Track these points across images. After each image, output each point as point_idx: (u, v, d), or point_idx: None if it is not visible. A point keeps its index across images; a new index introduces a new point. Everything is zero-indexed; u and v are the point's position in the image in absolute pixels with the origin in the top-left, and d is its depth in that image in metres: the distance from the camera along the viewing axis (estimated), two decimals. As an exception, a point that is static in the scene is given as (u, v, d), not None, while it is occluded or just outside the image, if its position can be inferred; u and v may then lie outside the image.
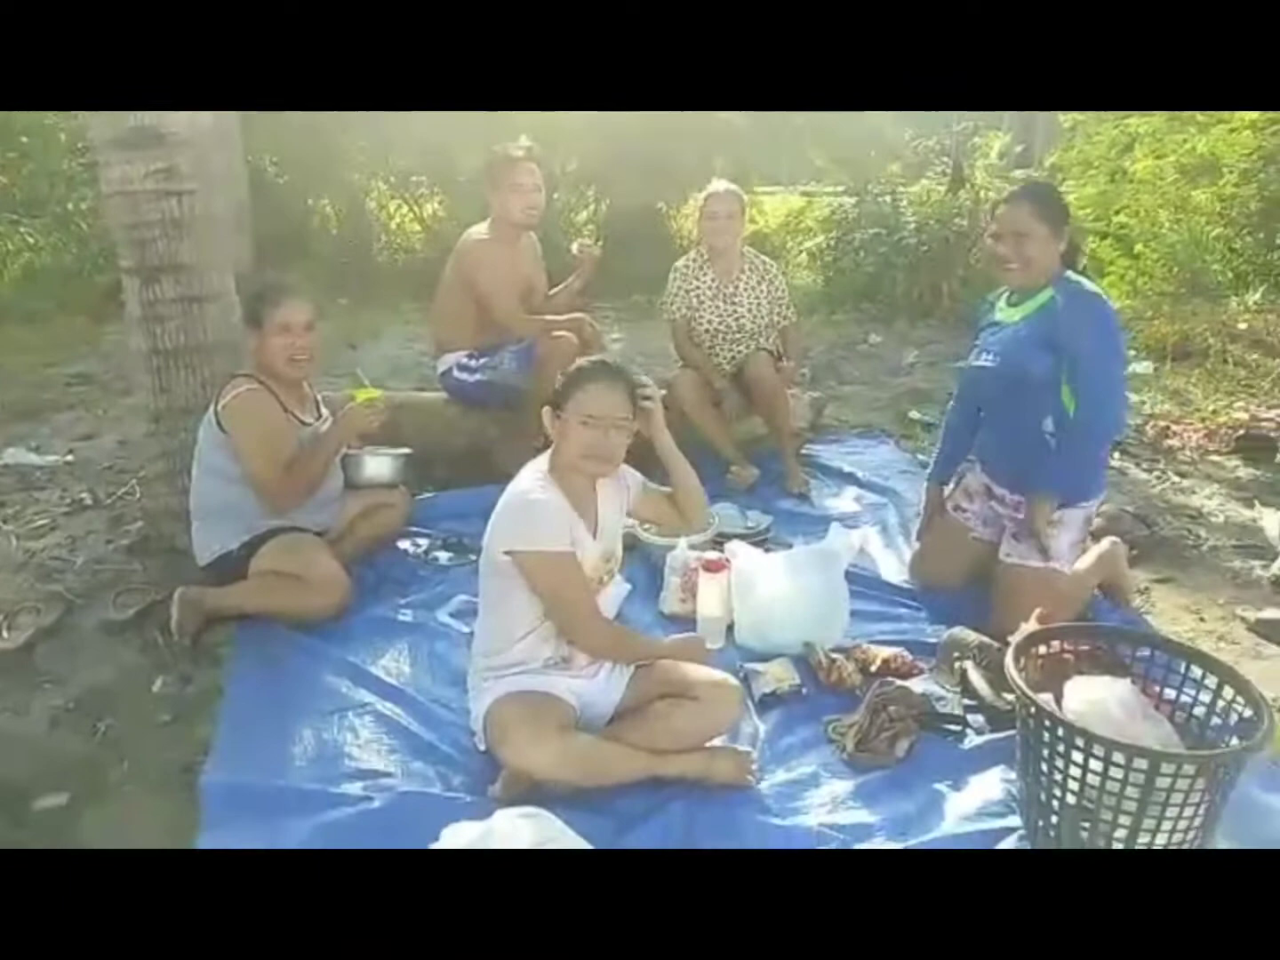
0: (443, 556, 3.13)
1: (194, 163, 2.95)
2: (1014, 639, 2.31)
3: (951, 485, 3.01)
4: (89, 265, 7.26)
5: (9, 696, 2.35)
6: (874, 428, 4.38)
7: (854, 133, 8.26)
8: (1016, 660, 2.00)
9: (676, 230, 8.84)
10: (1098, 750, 1.78)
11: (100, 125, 2.91)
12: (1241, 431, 4.24)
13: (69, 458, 3.82)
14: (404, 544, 3.15)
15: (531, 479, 2.11)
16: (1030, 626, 2.36)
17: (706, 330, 3.76)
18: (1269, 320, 5.88)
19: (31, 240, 7.84)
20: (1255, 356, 5.39)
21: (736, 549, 2.72)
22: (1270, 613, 2.85)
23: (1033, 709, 1.90)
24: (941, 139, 8.89)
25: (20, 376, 4.98)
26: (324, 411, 2.91)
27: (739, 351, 3.79)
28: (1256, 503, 3.68)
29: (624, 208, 8.11)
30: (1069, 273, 2.64)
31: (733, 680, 2.19)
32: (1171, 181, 7.44)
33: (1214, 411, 4.64)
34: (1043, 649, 2.15)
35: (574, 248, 3.75)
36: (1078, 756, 1.82)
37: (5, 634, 2.57)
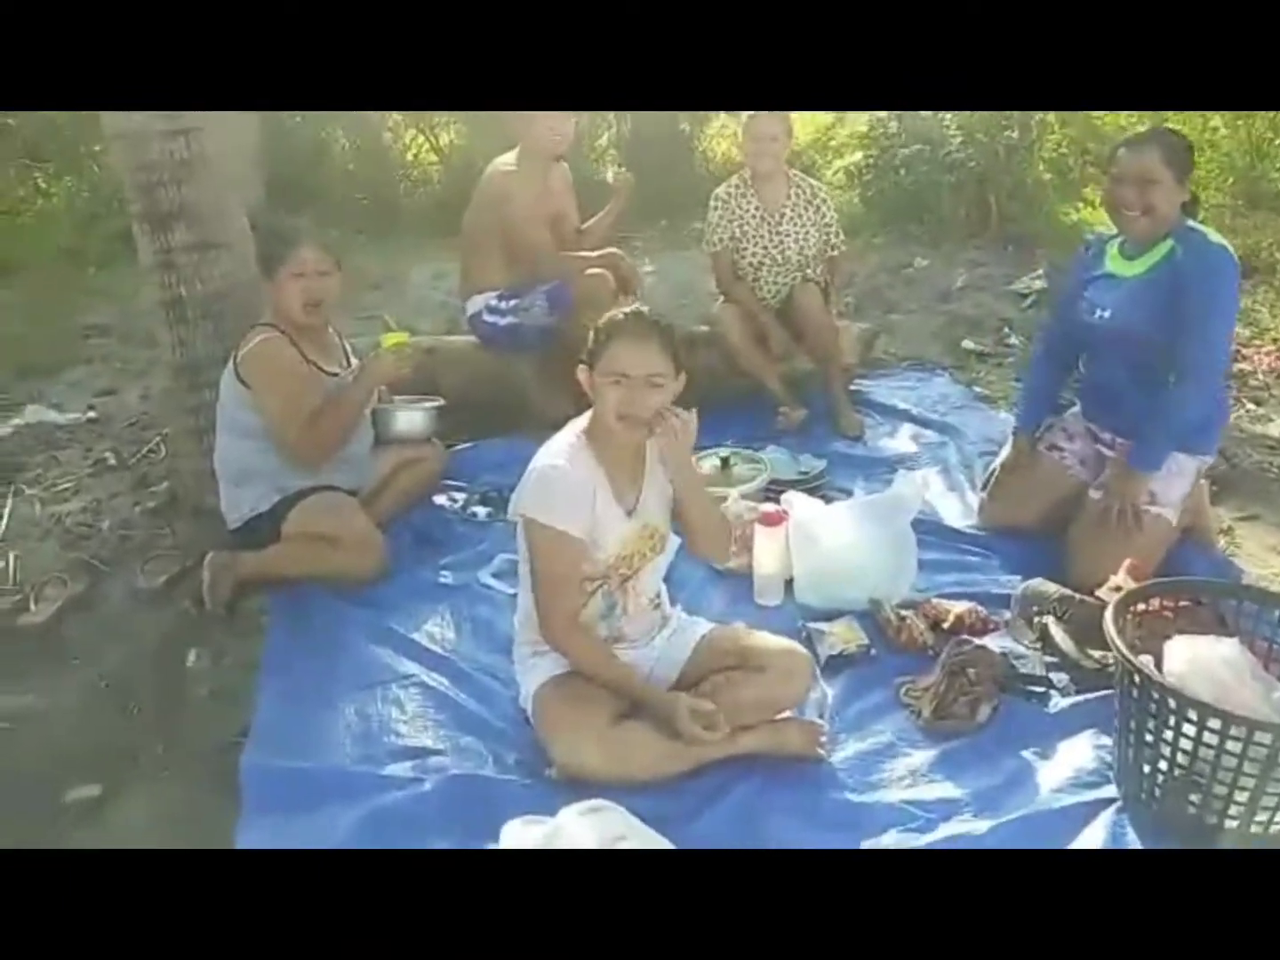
0: (481, 512, 2.98)
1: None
2: (1105, 595, 2.17)
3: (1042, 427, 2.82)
4: (102, 210, 7.08)
5: (37, 676, 2.25)
6: (926, 360, 4.15)
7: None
8: (1116, 621, 1.83)
9: (702, 151, 8.50)
10: (1213, 722, 1.63)
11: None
12: (1321, 353, 3.98)
13: (91, 414, 3.69)
14: (440, 499, 3.00)
15: (561, 443, 1.94)
16: (1120, 579, 2.19)
17: (750, 262, 3.54)
18: (1340, 232, 5.53)
19: (44, 186, 7.65)
20: (1328, 271, 5.07)
21: (794, 499, 2.55)
22: (1370, 552, 2.66)
23: (1136, 676, 1.74)
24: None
25: (34, 329, 4.83)
26: (353, 360, 2.74)
27: (784, 284, 3.57)
28: (1342, 431, 3.45)
29: (645, 130, 7.78)
30: (1190, 222, 2.46)
31: (802, 649, 2.04)
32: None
33: (1287, 332, 4.37)
34: (1140, 606, 1.98)
35: (609, 176, 3.52)
36: (1189, 728, 1.66)
37: (33, 606, 2.47)
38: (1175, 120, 7.24)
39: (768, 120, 3.37)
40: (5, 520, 2.89)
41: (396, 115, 8.42)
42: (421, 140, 8.48)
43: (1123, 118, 7.51)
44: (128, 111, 2.67)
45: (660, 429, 1.87)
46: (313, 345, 2.60)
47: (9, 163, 7.48)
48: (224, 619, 2.42)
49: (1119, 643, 1.76)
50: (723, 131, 8.84)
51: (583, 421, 1.95)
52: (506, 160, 3.43)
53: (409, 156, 8.55)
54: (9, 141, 8.26)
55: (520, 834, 1.49)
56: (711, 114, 8.53)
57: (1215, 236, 2.47)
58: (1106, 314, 2.55)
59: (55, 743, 2.03)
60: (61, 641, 2.36)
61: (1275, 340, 4.27)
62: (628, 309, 1.91)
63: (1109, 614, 1.85)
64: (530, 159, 3.38)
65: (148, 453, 3.33)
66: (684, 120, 8.22)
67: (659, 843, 1.51)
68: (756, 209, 3.50)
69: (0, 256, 6.12)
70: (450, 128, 8.36)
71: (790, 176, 3.55)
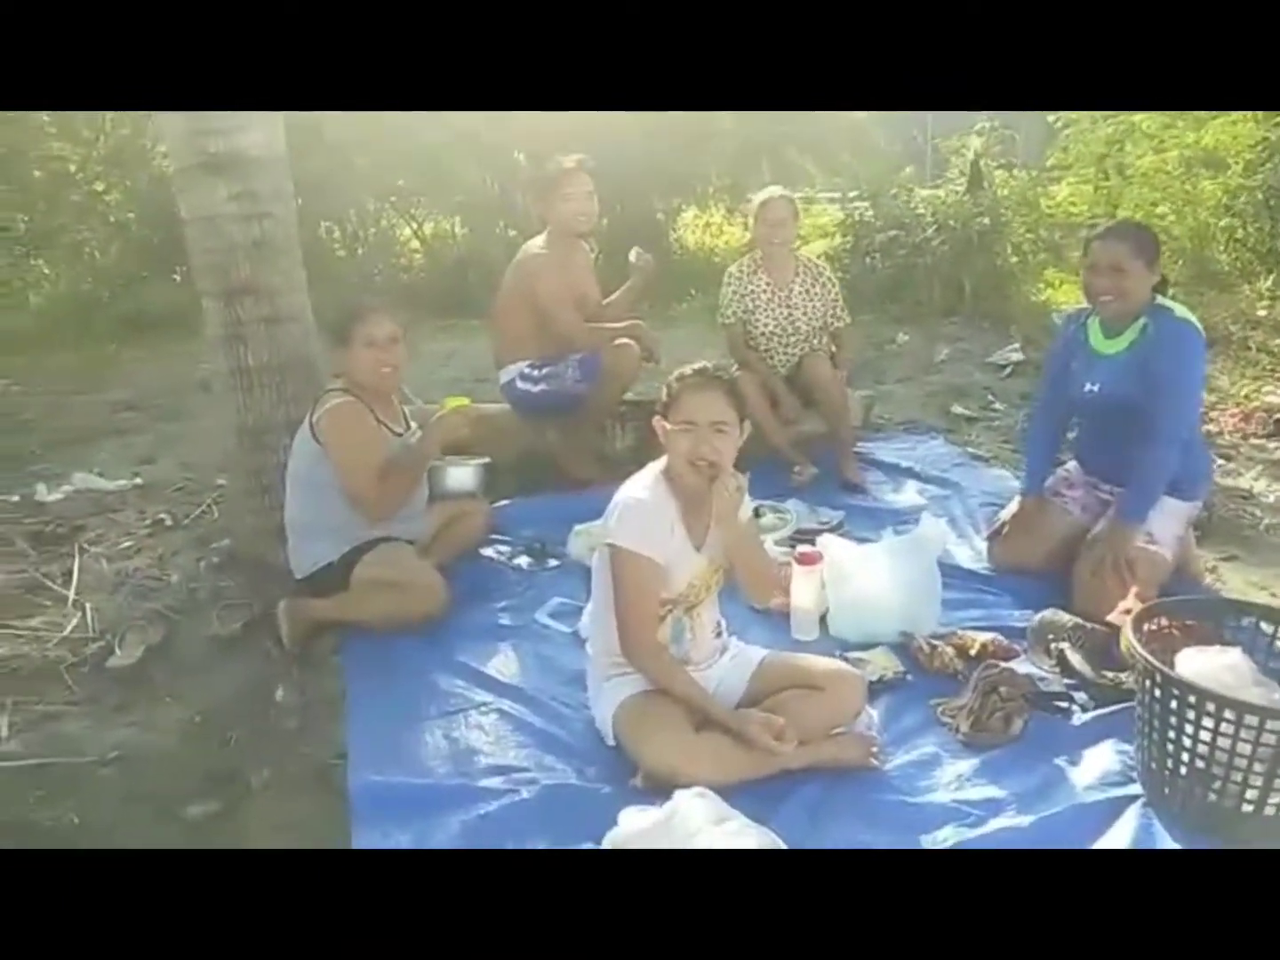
0: (524, 562, 3.18)
1: (272, 185, 3.02)
2: (1116, 619, 2.41)
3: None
4: (107, 294, 7.32)
5: (135, 710, 2.39)
6: (920, 423, 4.46)
7: (839, 140, 8.41)
8: (1135, 633, 2.07)
9: (677, 239, 8.97)
10: (1229, 714, 1.85)
11: (178, 152, 2.97)
12: (1279, 415, 4.34)
13: (137, 480, 3.86)
14: (487, 551, 3.20)
15: (644, 480, 2.17)
16: (1130, 603, 2.44)
17: (762, 333, 3.84)
18: (1286, 306, 6.01)
19: (47, 272, 7.88)
20: (1277, 342, 5.50)
21: (828, 540, 2.78)
22: (1341, 585, 2.94)
23: (1158, 678, 1.96)
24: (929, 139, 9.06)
25: (62, 404, 5.01)
26: (411, 424, 2.96)
27: (793, 354, 3.87)
28: (1303, 482, 3.78)
29: (623, 218, 8.22)
30: (1159, 299, 2.78)
31: (855, 671, 2.25)
32: (1177, 175, 7.58)
33: (1246, 397, 4.74)
34: (1149, 626, 2.22)
35: (631, 255, 3.82)
36: (1207, 721, 1.89)
37: (118, 651, 2.61)
38: (1128, 201, 7.84)
39: (778, 205, 3.71)
40: (75, 576, 3.03)
41: (388, 205, 8.84)
42: (406, 230, 8.86)
43: (1079, 209, 8.10)
44: (204, 195, 2.92)
45: (716, 489, 2.11)
46: (381, 407, 2.82)
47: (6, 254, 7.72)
48: (301, 659, 2.58)
49: (1141, 650, 2.00)
50: (695, 222, 9.37)
51: (661, 463, 2.18)
52: (537, 243, 3.72)
53: (401, 244, 8.93)
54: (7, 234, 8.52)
55: (637, 817, 1.66)
56: (684, 207, 9.05)
57: (1182, 312, 2.78)
58: (1096, 388, 2.85)
59: (165, 769, 2.16)
60: (151, 682, 2.51)
61: (1237, 404, 4.64)
62: (696, 365, 2.16)
63: (1128, 626, 2.09)
64: (558, 240, 3.68)
65: (201, 513, 3.50)
66: (659, 210, 8.71)
67: (753, 827, 1.69)
68: (767, 285, 3.82)
69: (15, 339, 6.31)
70: (432, 220, 8.77)
71: (798, 256, 3.89)
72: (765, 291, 3.81)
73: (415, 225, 8.71)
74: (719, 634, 2.32)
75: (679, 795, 1.70)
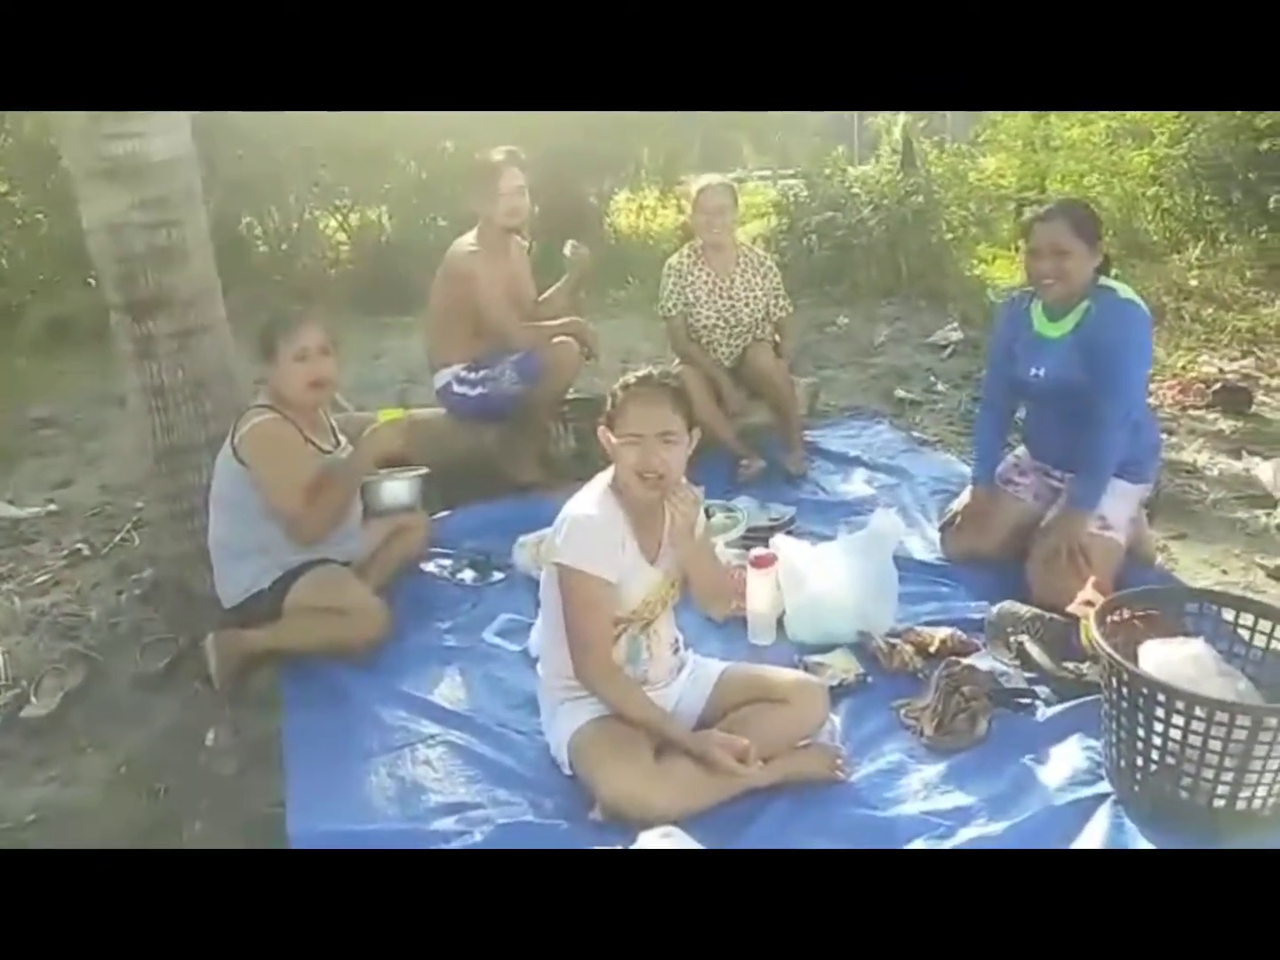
0: (468, 576, 3.06)
1: (179, 190, 2.83)
2: (1076, 610, 2.37)
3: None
4: (14, 303, 6.96)
5: (53, 765, 2.23)
6: (864, 409, 4.41)
7: (771, 118, 8.33)
8: (1098, 627, 2.03)
9: (611, 225, 8.83)
10: (1199, 711, 1.82)
11: (78, 157, 2.77)
12: (1217, 385, 4.37)
13: (51, 507, 3.64)
14: (429, 567, 3.07)
15: (591, 494, 2.06)
16: (1089, 594, 2.40)
17: (704, 325, 3.74)
18: (1214, 275, 6.08)
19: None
20: (1210, 311, 5.57)
21: (781, 542, 2.71)
22: (1288, 558, 2.95)
23: (1125, 675, 1.92)
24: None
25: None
26: (341, 438, 2.81)
27: (737, 345, 3.78)
28: (1244, 453, 3.80)
29: (555, 203, 8.05)
30: (1102, 280, 2.73)
31: (816, 680, 2.18)
32: (1103, 146, 7.64)
33: (1183, 368, 4.78)
34: (1112, 618, 2.18)
35: (566, 249, 3.69)
36: (1178, 719, 1.85)
37: (34, 699, 2.44)
38: (1055, 172, 7.89)
39: (716, 192, 3.61)
40: (-14, 617, 2.84)
41: (310, 198, 8.55)
42: (331, 222, 8.59)
43: (1008, 181, 8.14)
44: (106, 203, 2.73)
45: (669, 503, 2.02)
46: (308, 424, 2.67)
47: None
48: (233, 696, 2.43)
49: (1107, 647, 1.95)
50: (628, 205, 9.24)
51: (608, 475, 2.07)
52: (468, 240, 3.57)
53: (328, 238, 8.65)
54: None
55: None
56: (615, 189, 8.91)
57: (1126, 292, 2.73)
58: (1041, 373, 2.79)
59: (89, 828, 2.01)
60: (70, 731, 2.34)
61: (1174, 375, 4.67)
62: (640, 373, 2.05)
63: (1092, 621, 2.04)
64: (490, 236, 3.53)
65: (120, 540, 3.31)
66: (591, 194, 8.55)
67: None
68: (708, 276, 3.72)
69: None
70: (358, 210, 8.51)
71: (738, 245, 3.79)
72: (706, 283, 3.72)
73: (340, 217, 8.44)
74: (676, 650, 2.23)
75: (644, 839, 1.61)
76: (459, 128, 6.97)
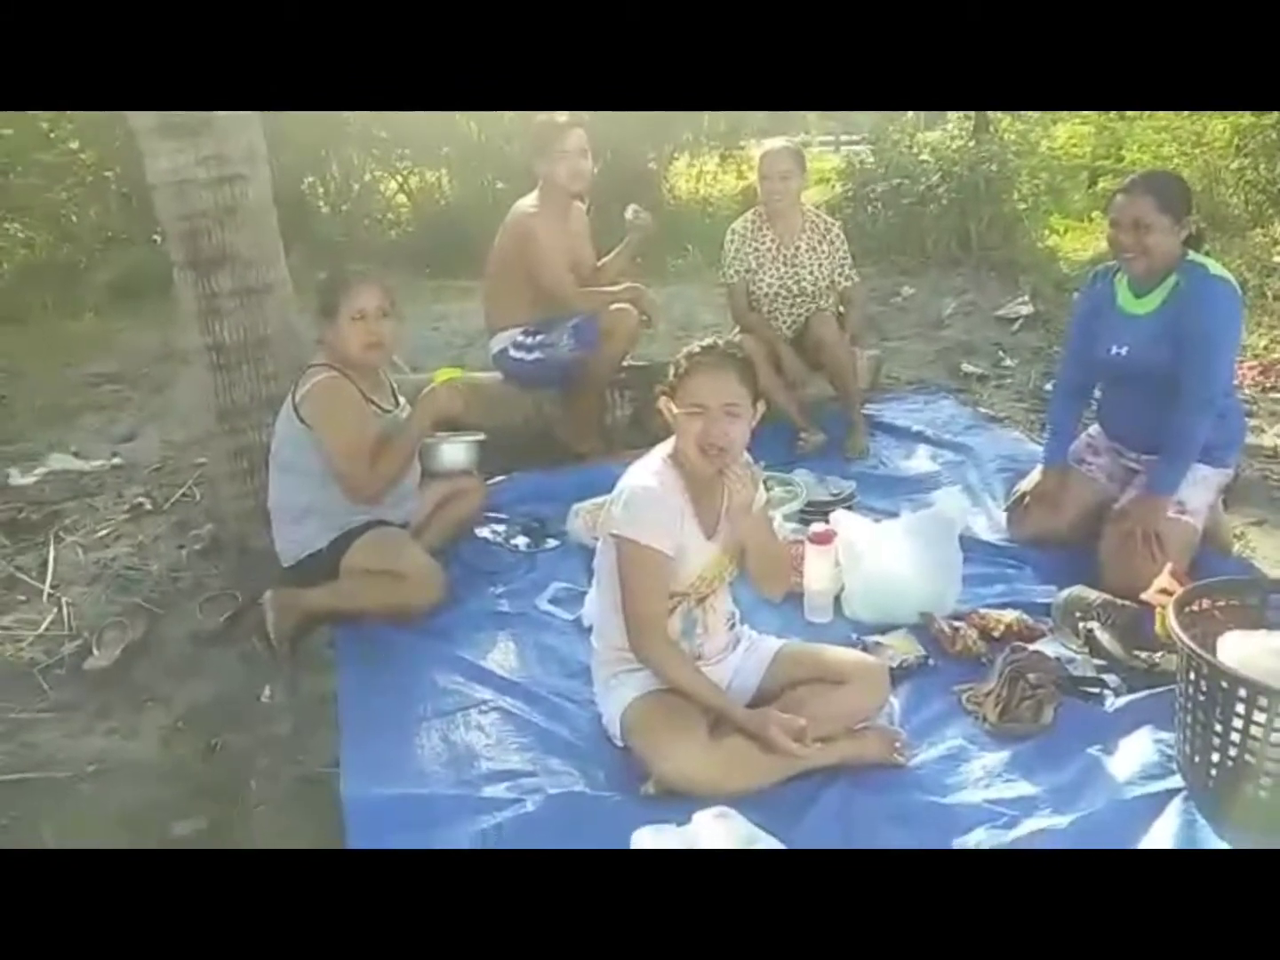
0: (521, 542, 3.04)
1: (243, 147, 2.82)
2: (1151, 597, 2.28)
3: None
4: (84, 260, 7.07)
5: (113, 716, 2.26)
6: (929, 383, 4.30)
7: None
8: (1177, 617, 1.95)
9: (669, 189, 8.69)
10: (1282, 708, 1.73)
11: (142, 113, 2.76)
12: (1301, 366, 4.19)
13: (115, 461, 3.70)
14: (483, 532, 3.05)
15: (650, 465, 2.02)
16: (1165, 582, 2.31)
17: (766, 293, 3.66)
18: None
19: (23, 237, 7.61)
20: (1295, 289, 5.33)
21: (842, 518, 2.65)
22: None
23: (1204, 668, 1.84)
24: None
25: (40, 379, 4.82)
26: (400, 399, 2.80)
27: (799, 315, 3.70)
28: (1329, 437, 3.64)
29: (614, 168, 7.95)
30: (1191, 255, 2.60)
31: (878, 661, 2.12)
32: (1184, 115, 7.33)
33: (1265, 348, 4.58)
34: (1192, 607, 2.09)
35: (627, 213, 3.62)
36: (1259, 716, 1.76)
37: (96, 651, 2.47)
38: (1132, 143, 7.61)
39: (782, 156, 3.51)
40: (51, 568, 2.89)
41: (371, 160, 8.56)
42: (392, 184, 8.59)
43: (1081, 151, 7.86)
44: (170, 158, 2.73)
45: (730, 480, 1.96)
46: (368, 384, 2.66)
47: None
48: (290, 655, 2.44)
49: (1186, 637, 1.87)
50: (688, 170, 9.09)
51: (668, 446, 2.02)
52: (529, 202, 3.52)
53: (389, 200, 8.66)
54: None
55: (653, 839, 1.54)
56: (678, 152, 8.77)
57: (1217, 269, 2.61)
58: (1123, 351, 2.68)
59: (148, 781, 2.04)
60: (131, 684, 2.37)
61: (1255, 355, 4.48)
62: (705, 342, 1.99)
63: (1170, 610, 1.96)
64: (551, 199, 3.48)
65: (181, 496, 3.35)
66: (651, 159, 8.42)
67: (782, 848, 1.57)
68: (772, 242, 3.63)
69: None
70: (418, 172, 8.49)
71: (804, 211, 3.69)
72: (770, 249, 3.63)
73: (400, 179, 8.42)
74: (732, 625, 2.18)
75: (699, 818, 1.58)
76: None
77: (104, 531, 3.13)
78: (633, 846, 1.57)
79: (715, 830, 1.51)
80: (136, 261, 6.68)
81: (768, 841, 1.56)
